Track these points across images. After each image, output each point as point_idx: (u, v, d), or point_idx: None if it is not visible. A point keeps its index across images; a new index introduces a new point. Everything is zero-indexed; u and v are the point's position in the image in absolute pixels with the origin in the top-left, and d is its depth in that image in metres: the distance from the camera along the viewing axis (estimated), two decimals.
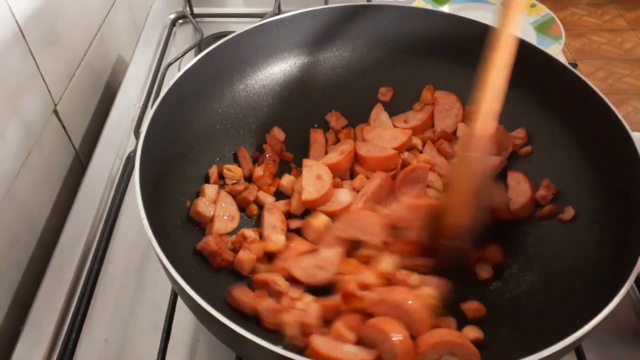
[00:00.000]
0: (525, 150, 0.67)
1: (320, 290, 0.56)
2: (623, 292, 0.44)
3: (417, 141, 0.71)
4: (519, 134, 0.68)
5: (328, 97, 0.75)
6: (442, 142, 0.70)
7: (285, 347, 0.44)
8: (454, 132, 0.71)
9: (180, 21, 1.03)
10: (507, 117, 0.69)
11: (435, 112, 0.72)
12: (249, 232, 0.61)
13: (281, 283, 0.55)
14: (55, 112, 0.76)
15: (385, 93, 0.75)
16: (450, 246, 0.57)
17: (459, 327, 0.55)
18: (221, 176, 0.66)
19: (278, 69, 0.73)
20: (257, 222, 0.65)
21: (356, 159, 0.70)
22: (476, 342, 0.53)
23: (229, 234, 0.62)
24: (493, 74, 0.52)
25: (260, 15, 0.97)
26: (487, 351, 0.53)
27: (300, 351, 0.52)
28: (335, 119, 0.74)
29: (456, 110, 0.71)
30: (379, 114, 0.74)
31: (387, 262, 0.56)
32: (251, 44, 0.69)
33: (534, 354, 0.41)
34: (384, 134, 0.70)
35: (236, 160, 0.69)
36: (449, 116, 0.71)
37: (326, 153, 0.71)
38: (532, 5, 0.95)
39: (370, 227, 0.59)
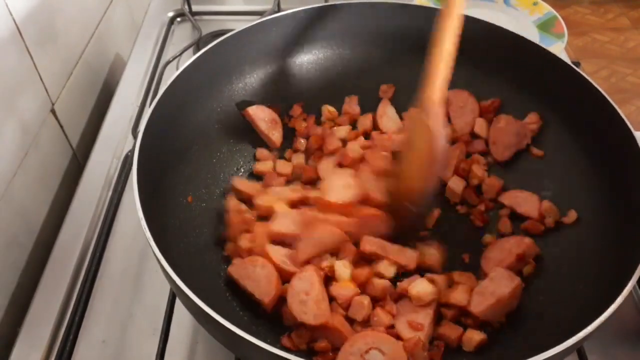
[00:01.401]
0: (537, 152, 0.66)
1: None
2: (625, 293, 0.44)
3: None
4: (532, 119, 0.66)
5: (328, 95, 0.75)
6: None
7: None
8: (472, 129, 0.70)
9: (179, 19, 1.03)
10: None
11: (450, 112, 0.71)
12: None
13: None
14: (53, 111, 0.75)
15: (386, 90, 0.74)
16: (407, 209, 0.60)
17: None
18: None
19: (277, 67, 0.73)
20: None
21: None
22: (480, 345, 0.53)
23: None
24: (445, 41, 0.55)
25: (260, 13, 0.97)
26: (489, 352, 0.53)
27: (299, 352, 0.52)
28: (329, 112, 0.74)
29: (471, 106, 0.70)
30: (385, 109, 0.73)
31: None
32: (250, 42, 0.69)
33: (537, 355, 0.41)
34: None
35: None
36: (465, 113, 0.70)
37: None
38: (535, 4, 0.95)
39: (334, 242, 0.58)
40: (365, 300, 0.54)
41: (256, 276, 0.54)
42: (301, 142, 0.71)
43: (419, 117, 0.55)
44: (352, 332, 0.52)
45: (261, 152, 0.70)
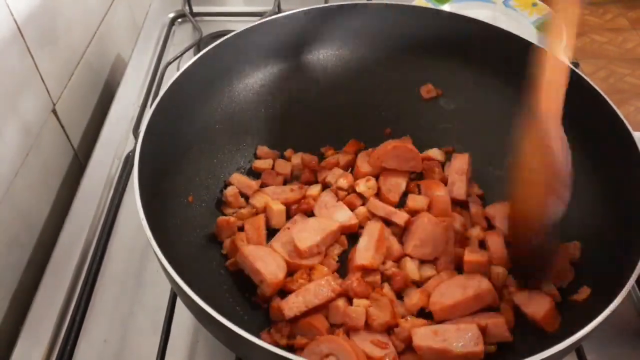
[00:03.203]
0: None
1: None
2: (624, 292, 0.44)
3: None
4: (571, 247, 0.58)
5: (328, 96, 0.75)
6: None
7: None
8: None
9: (180, 20, 1.03)
10: (506, 117, 0.69)
11: (497, 224, 0.64)
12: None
13: None
14: (54, 111, 0.76)
15: (430, 90, 0.74)
16: (536, 244, 0.53)
17: None
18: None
19: (278, 68, 0.73)
20: None
21: None
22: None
23: None
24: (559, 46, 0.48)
25: (260, 14, 0.97)
26: (488, 352, 0.53)
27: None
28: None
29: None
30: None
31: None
32: (250, 43, 0.69)
33: (535, 355, 0.41)
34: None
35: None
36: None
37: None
38: (534, 5, 0.95)
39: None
40: (341, 302, 0.54)
41: (268, 259, 0.57)
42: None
43: (534, 134, 0.49)
44: (328, 332, 0.52)
45: (262, 149, 0.71)
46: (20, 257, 0.67)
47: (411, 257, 0.60)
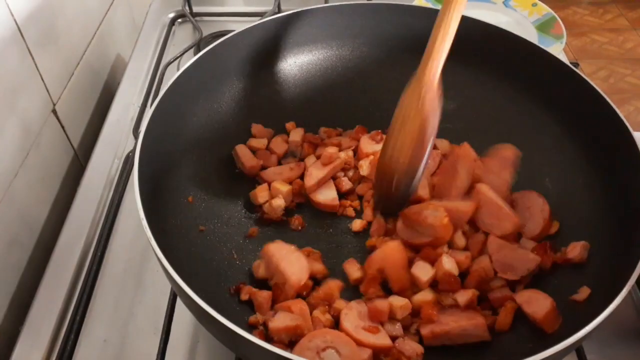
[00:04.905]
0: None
1: None
2: (624, 292, 0.44)
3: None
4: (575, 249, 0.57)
5: (328, 96, 0.75)
6: None
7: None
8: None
9: (179, 20, 1.03)
10: (506, 117, 0.69)
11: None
12: None
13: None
14: (54, 111, 0.76)
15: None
16: (390, 186, 0.59)
17: None
18: None
19: (278, 68, 0.73)
20: None
21: None
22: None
23: None
24: (450, 19, 0.55)
25: (260, 14, 0.97)
26: (489, 351, 0.53)
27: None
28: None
29: (540, 207, 0.61)
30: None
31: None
32: (251, 43, 0.69)
33: (535, 355, 0.41)
34: None
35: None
36: (534, 214, 0.61)
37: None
38: (534, 5, 0.95)
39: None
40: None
41: (292, 259, 0.56)
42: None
43: (414, 96, 0.56)
44: (311, 327, 0.52)
45: (256, 127, 0.71)
46: (20, 257, 0.67)
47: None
